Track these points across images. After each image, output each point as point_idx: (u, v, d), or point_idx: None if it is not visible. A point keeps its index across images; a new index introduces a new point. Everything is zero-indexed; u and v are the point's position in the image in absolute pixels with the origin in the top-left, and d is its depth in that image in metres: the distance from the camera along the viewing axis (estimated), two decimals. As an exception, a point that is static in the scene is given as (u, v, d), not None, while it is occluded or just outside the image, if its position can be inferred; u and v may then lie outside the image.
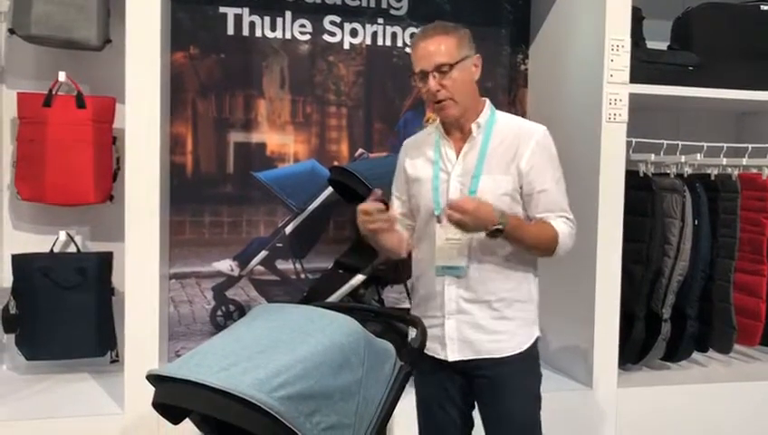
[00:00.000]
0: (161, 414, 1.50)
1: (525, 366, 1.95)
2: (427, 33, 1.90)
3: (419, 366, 1.97)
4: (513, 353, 1.92)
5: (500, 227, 1.78)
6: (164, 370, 1.42)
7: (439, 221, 1.90)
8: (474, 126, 1.92)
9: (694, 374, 3.05)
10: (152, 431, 2.38)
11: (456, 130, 1.95)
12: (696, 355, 3.11)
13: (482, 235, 1.84)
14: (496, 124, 1.94)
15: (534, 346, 1.97)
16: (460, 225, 1.77)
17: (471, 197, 1.84)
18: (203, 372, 1.34)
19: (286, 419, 1.30)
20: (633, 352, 2.91)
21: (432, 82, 1.85)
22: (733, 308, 2.98)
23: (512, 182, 1.89)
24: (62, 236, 2.79)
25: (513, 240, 1.84)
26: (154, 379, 1.45)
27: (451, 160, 1.95)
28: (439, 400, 2.00)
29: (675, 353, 2.98)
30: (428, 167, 1.98)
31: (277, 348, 1.40)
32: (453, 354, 1.93)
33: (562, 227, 1.90)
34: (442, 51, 1.85)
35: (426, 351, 1.88)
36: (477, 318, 1.91)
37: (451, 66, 1.85)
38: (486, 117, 1.94)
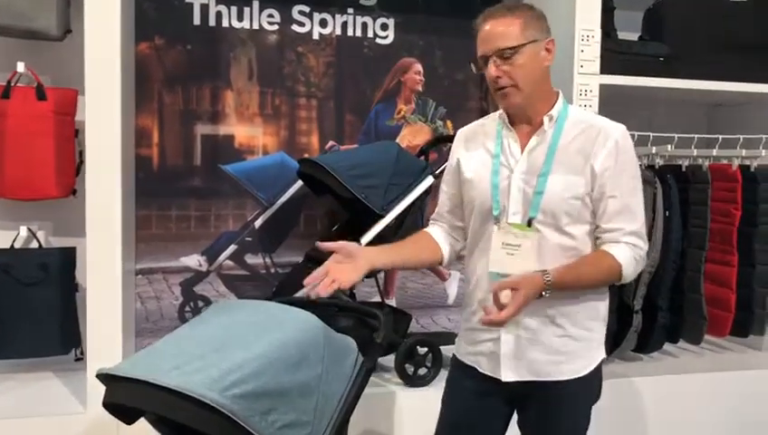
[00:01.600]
0: (113, 414, 1.46)
1: (583, 391, 1.78)
2: (489, 13, 1.72)
3: (460, 380, 1.87)
4: (573, 377, 1.74)
5: (548, 288, 1.60)
6: (115, 369, 1.38)
7: (497, 222, 1.74)
8: (546, 118, 1.73)
9: (666, 365, 3.05)
10: (113, 430, 2.33)
11: (523, 122, 1.77)
12: (667, 346, 3.11)
13: (543, 239, 1.69)
14: (569, 119, 1.75)
15: (598, 369, 1.80)
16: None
17: (510, 292, 1.57)
18: (154, 371, 1.30)
19: (240, 418, 1.26)
20: (606, 343, 2.90)
21: (491, 68, 1.68)
22: (703, 299, 2.98)
23: (584, 185, 1.68)
24: (23, 231, 2.71)
25: (566, 289, 1.66)
26: (105, 378, 1.40)
27: (515, 155, 1.75)
28: (474, 420, 1.84)
29: (646, 345, 2.98)
30: (487, 161, 1.79)
31: (232, 345, 1.36)
32: (507, 374, 1.74)
33: (626, 254, 1.68)
34: (504, 33, 1.67)
35: (477, 368, 1.80)
36: (538, 334, 1.72)
37: (513, 50, 1.66)
38: (559, 110, 1.75)
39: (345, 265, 1.68)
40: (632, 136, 2.87)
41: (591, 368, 1.77)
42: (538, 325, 1.71)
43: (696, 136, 3.02)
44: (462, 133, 1.92)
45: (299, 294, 2.54)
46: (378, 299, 3.05)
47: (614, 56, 2.80)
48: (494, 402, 1.82)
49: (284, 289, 2.80)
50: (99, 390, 2.28)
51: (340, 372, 1.52)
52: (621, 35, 3.04)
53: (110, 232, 2.34)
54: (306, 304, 1.81)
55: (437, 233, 1.93)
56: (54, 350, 2.68)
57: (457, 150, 1.89)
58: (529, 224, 1.70)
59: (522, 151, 1.74)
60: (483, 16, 1.73)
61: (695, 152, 2.99)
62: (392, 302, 3.22)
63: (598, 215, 1.71)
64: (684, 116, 3.28)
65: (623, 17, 3.07)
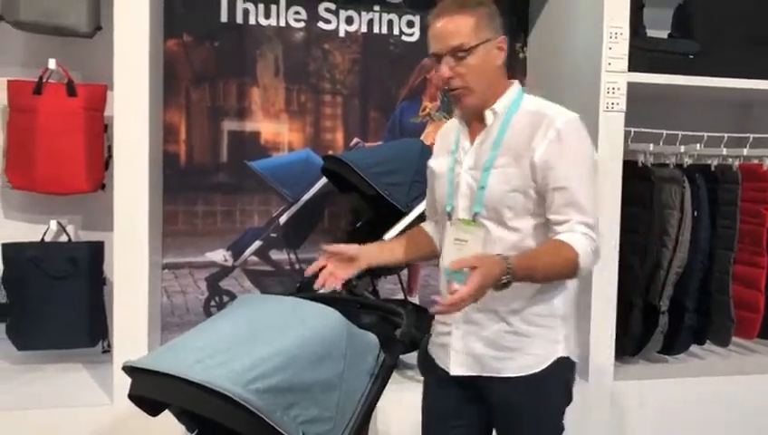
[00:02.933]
0: (138, 406, 1.48)
1: (537, 390, 1.69)
2: (442, 9, 1.65)
3: (429, 376, 1.87)
4: (522, 374, 1.67)
5: (508, 276, 1.50)
6: (140, 362, 1.40)
7: (449, 218, 1.73)
8: (488, 113, 1.69)
9: (691, 367, 3.01)
10: (140, 422, 2.35)
11: (475, 117, 1.73)
12: (693, 348, 3.07)
13: (488, 234, 1.65)
14: (520, 110, 1.68)
15: (555, 369, 1.68)
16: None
17: (473, 264, 1.49)
18: (179, 365, 1.32)
19: (262, 412, 1.27)
20: (630, 345, 2.88)
21: (444, 69, 1.63)
22: (731, 301, 2.94)
23: (522, 177, 1.62)
24: (53, 225, 2.77)
25: (525, 278, 1.57)
26: (130, 370, 1.42)
27: (465, 150, 1.74)
28: (442, 414, 1.82)
29: (672, 346, 2.94)
30: (447, 158, 1.78)
31: (255, 340, 1.37)
32: (456, 368, 1.73)
33: (583, 244, 1.58)
34: (457, 32, 1.61)
35: (434, 359, 1.80)
36: (485, 330, 1.69)
37: (467, 51, 1.61)
38: (507, 103, 1.69)
39: (343, 263, 1.79)
40: (660, 134, 2.91)
41: (544, 366, 1.68)
42: (485, 320, 1.69)
43: (726, 135, 2.98)
44: (441, 129, 1.93)
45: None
46: (400, 296, 3.06)
47: (643, 54, 2.77)
48: (454, 398, 1.80)
49: (308, 285, 2.81)
50: (125, 382, 2.31)
51: (361, 368, 1.53)
52: (650, 33, 3.00)
53: (138, 226, 2.37)
54: (329, 300, 1.82)
55: (431, 228, 1.95)
56: (82, 342, 2.73)
57: (435, 148, 1.91)
58: (474, 218, 1.69)
59: (471, 146, 1.73)
60: (435, 11, 1.66)
61: (724, 151, 2.95)
62: (415, 299, 3.22)
63: (547, 207, 1.63)
64: (713, 115, 3.23)
65: (652, 14, 3.03)
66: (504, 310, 1.68)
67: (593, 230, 1.61)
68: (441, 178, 1.79)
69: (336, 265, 1.80)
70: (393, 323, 1.94)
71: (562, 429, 1.78)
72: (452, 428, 1.82)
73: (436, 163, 1.83)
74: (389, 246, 1.97)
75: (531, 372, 1.68)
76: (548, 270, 1.60)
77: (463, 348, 1.73)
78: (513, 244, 1.67)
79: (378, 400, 1.57)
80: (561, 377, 1.73)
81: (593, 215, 1.62)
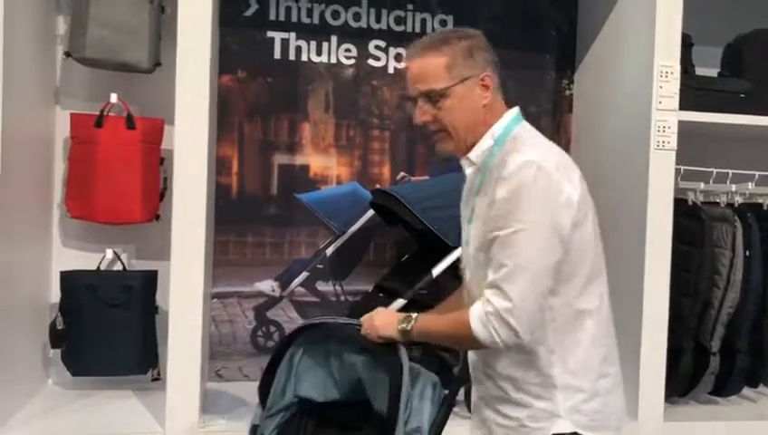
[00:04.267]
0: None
1: None
2: (412, 49, 1.54)
3: None
4: None
5: (404, 326, 1.51)
6: None
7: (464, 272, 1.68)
8: (464, 163, 1.57)
9: (743, 410, 2.94)
10: (192, 451, 2.40)
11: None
12: (745, 390, 3.00)
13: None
14: (498, 155, 1.50)
15: None
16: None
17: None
18: None
19: None
20: (680, 386, 2.83)
21: (418, 112, 1.52)
22: (785, 343, 2.88)
23: (482, 234, 1.48)
24: (109, 254, 2.84)
25: (423, 338, 1.55)
26: None
27: (464, 200, 1.67)
28: None
29: (724, 388, 2.88)
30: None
31: None
32: (474, 431, 1.69)
33: (476, 308, 1.42)
34: (427, 74, 1.49)
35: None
36: (489, 394, 1.59)
37: (440, 93, 1.49)
38: (483, 149, 1.53)
39: None
40: (710, 173, 2.89)
41: None
42: (488, 383, 1.58)
43: (778, 174, 2.95)
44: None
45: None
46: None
47: (693, 92, 2.76)
48: None
49: (354, 317, 2.83)
50: (177, 409, 2.38)
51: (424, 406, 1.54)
52: (699, 71, 2.99)
53: (194, 258, 2.42)
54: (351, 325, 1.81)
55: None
56: (133, 369, 2.78)
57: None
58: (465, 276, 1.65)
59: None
60: (408, 50, 1.57)
61: (776, 191, 2.92)
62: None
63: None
64: (764, 153, 3.19)
65: (700, 52, 3.03)
66: (496, 374, 1.56)
67: (499, 293, 1.40)
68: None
69: None
70: (439, 357, 1.95)
71: None
72: None
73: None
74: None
75: None
76: (442, 337, 1.58)
77: (476, 410, 1.68)
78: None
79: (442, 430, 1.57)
80: None
81: (511, 273, 1.40)
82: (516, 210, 1.40)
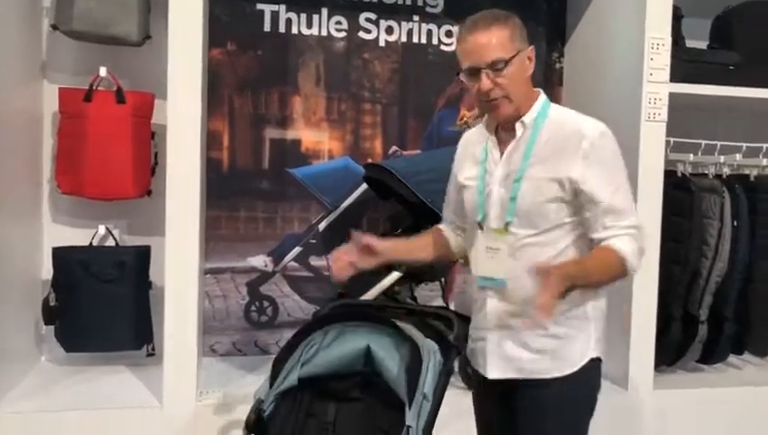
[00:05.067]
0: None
1: (569, 392, 1.72)
2: (477, 23, 1.67)
3: (471, 382, 1.93)
4: (558, 376, 1.71)
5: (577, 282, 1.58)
6: None
7: (481, 228, 1.76)
8: (518, 125, 1.73)
9: (730, 377, 3.02)
10: (189, 424, 2.41)
11: (505, 127, 1.77)
12: (731, 358, 3.07)
13: (520, 242, 1.70)
14: (547, 120, 1.72)
15: (588, 370, 1.73)
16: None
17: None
18: None
19: None
20: (669, 354, 2.89)
21: (485, 81, 1.66)
22: (771, 311, 2.95)
23: (558, 190, 1.67)
24: (101, 229, 2.82)
25: (581, 286, 1.62)
26: None
27: (495, 160, 1.76)
28: (492, 419, 1.88)
29: (711, 356, 2.95)
30: (476, 168, 1.81)
31: None
32: (492, 372, 1.76)
33: (628, 246, 1.64)
34: (495, 45, 1.64)
35: (473, 365, 1.84)
36: (521, 333, 1.72)
37: (506, 62, 1.64)
38: (535, 113, 1.73)
39: (364, 254, 1.81)
40: (699, 145, 2.92)
41: (577, 368, 1.72)
42: (520, 325, 1.71)
43: (765, 145, 2.99)
44: (462, 139, 1.95)
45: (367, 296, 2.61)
46: (436, 302, 3.08)
47: (683, 64, 2.78)
48: (489, 399, 1.86)
49: (349, 292, 2.85)
50: (175, 384, 2.39)
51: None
52: (688, 44, 3.01)
53: (189, 232, 2.41)
54: (377, 307, 1.85)
55: (448, 230, 1.99)
56: (128, 345, 2.78)
57: (458, 157, 1.92)
58: (506, 227, 1.72)
59: (501, 157, 1.76)
60: (469, 26, 1.69)
61: (764, 162, 2.96)
62: (450, 306, 3.24)
63: (589, 222, 1.68)
64: (752, 125, 3.23)
65: (690, 25, 3.05)
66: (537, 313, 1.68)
67: (636, 229, 1.67)
68: (471, 187, 1.82)
69: (356, 252, 1.82)
70: (433, 327, 1.96)
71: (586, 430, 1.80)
72: (495, 432, 1.87)
73: (465, 173, 1.85)
74: (415, 246, 1.99)
75: (565, 374, 1.72)
76: (600, 278, 1.66)
77: (499, 352, 1.76)
78: (545, 253, 1.70)
79: (441, 401, 1.60)
80: (591, 380, 1.77)
81: (633, 214, 1.69)
82: (614, 170, 1.68)
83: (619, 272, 1.66)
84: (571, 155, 1.66)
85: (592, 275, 1.64)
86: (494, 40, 1.65)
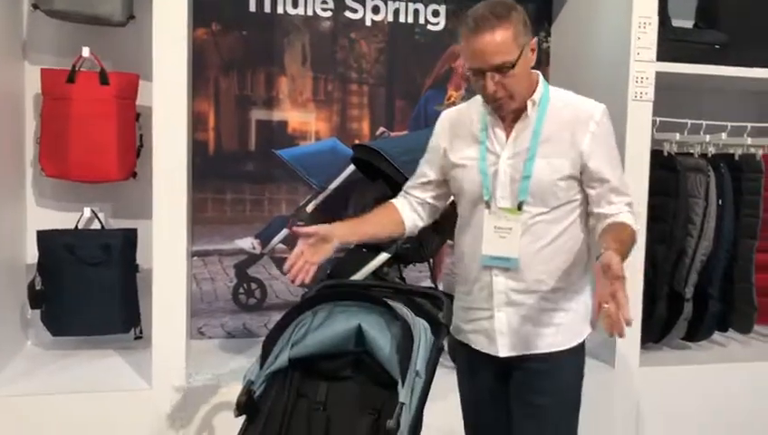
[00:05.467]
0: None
1: (573, 362, 1.80)
2: (480, 25, 1.63)
3: (462, 361, 1.94)
4: (565, 348, 1.78)
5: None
6: None
7: (488, 207, 1.77)
8: (529, 103, 1.74)
9: (715, 354, 3.06)
10: (179, 406, 2.40)
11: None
12: (715, 335, 3.11)
13: (533, 221, 1.73)
14: (551, 101, 1.76)
15: (584, 342, 1.84)
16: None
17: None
18: None
19: None
20: (655, 332, 2.92)
21: (490, 84, 1.66)
22: (754, 288, 2.98)
23: (570, 167, 1.72)
24: (87, 212, 2.79)
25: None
26: None
27: (500, 141, 1.77)
28: (487, 397, 1.89)
29: (696, 333, 2.99)
30: (474, 147, 1.80)
31: None
32: (504, 350, 1.78)
33: (632, 218, 1.74)
34: (500, 48, 1.63)
35: (472, 345, 1.84)
36: (530, 310, 1.76)
37: (512, 65, 1.64)
38: (540, 94, 1.76)
39: (317, 246, 1.74)
40: (685, 124, 2.94)
41: (580, 340, 1.81)
42: (530, 301, 1.76)
43: (750, 125, 3.01)
44: (446, 118, 1.92)
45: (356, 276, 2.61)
46: (425, 284, 3.09)
47: (670, 44, 2.79)
48: (486, 377, 1.87)
49: (338, 273, 2.84)
50: (164, 367, 2.38)
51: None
52: (674, 23, 3.01)
53: (177, 215, 2.39)
54: (365, 286, 1.85)
55: (404, 206, 1.96)
56: (115, 328, 2.76)
57: (442, 135, 1.89)
58: (519, 207, 1.74)
59: (507, 137, 1.77)
60: (472, 27, 1.64)
61: (748, 141, 2.98)
62: (440, 286, 3.25)
63: (593, 197, 1.74)
64: (737, 104, 3.25)
65: (676, 4, 3.05)
66: (546, 289, 1.75)
67: (632, 205, 1.78)
68: (471, 168, 1.80)
69: (310, 249, 1.74)
70: (424, 307, 1.96)
71: (579, 402, 1.85)
72: (495, 406, 1.87)
73: (460, 153, 1.84)
74: (362, 224, 1.93)
75: (572, 346, 1.79)
76: (629, 248, 1.70)
77: (508, 329, 1.78)
78: (555, 231, 1.76)
79: (432, 379, 1.60)
80: (584, 350, 1.85)
81: (629, 192, 1.78)
82: (612, 147, 1.78)
83: (634, 242, 1.73)
84: (581, 133, 1.72)
85: (628, 249, 1.68)
86: (499, 42, 1.63)
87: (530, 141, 1.74)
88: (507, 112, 1.75)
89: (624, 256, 1.60)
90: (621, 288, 1.48)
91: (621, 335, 1.48)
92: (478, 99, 1.82)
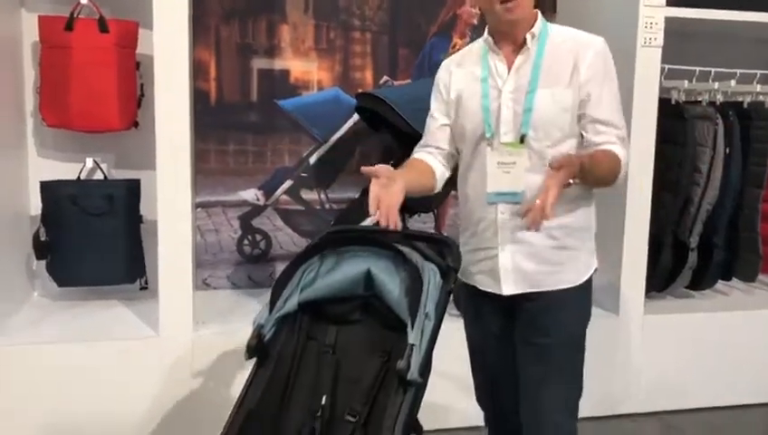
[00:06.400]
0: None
1: (577, 301, 1.79)
2: None
3: (468, 305, 1.93)
4: (571, 286, 1.77)
5: (580, 169, 1.60)
6: None
7: (490, 144, 1.74)
8: (528, 36, 1.72)
9: (718, 302, 3.07)
10: (187, 353, 2.42)
11: (507, 43, 1.75)
12: (719, 284, 3.12)
13: (536, 154, 1.70)
14: (550, 35, 1.75)
15: (590, 280, 1.81)
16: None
17: (549, 186, 1.55)
18: None
19: None
20: (659, 281, 2.93)
21: None
22: (760, 237, 2.98)
23: (571, 96, 1.70)
24: (89, 163, 2.77)
25: (589, 178, 1.65)
26: None
27: (501, 75, 1.74)
28: (493, 338, 1.88)
29: (700, 282, 2.99)
30: (475, 85, 1.77)
31: None
32: (508, 287, 1.77)
33: (621, 152, 1.72)
34: None
35: (478, 286, 1.84)
36: (535, 248, 1.75)
37: None
38: (539, 27, 1.75)
39: (390, 188, 1.65)
40: (693, 71, 2.89)
41: (586, 277, 1.80)
42: (534, 238, 1.74)
43: (760, 72, 2.97)
44: (449, 61, 1.90)
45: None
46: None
47: (679, -12, 2.73)
48: (492, 319, 1.87)
49: (343, 223, 2.84)
50: (171, 316, 2.40)
51: None
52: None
53: (181, 165, 2.37)
54: (375, 232, 1.83)
55: (431, 160, 1.91)
56: (121, 279, 2.77)
57: (446, 78, 1.87)
58: (522, 141, 1.72)
59: (508, 71, 1.75)
60: None
61: (758, 88, 2.94)
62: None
63: (583, 123, 1.73)
64: (747, 52, 3.20)
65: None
66: (551, 226, 1.71)
67: (625, 140, 1.75)
68: (472, 106, 1.78)
69: (383, 190, 1.64)
70: (432, 252, 1.94)
71: (584, 343, 1.84)
72: (502, 345, 1.87)
73: (461, 91, 1.81)
74: (408, 174, 1.82)
75: (576, 284, 1.77)
76: (604, 173, 1.70)
77: (513, 267, 1.77)
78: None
79: (441, 322, 1.60)
80: (590, 290, 1.83)
81: (623, 125, 1.75)
82: (612, 78, 1.75)
83: (615, 172, 1.71)
84: (580, 62, 1.70)
85: (600, 168, 1.68)
86: None
87: (531, 74, 1.72)
88: (516, 19, 1.71)
89: (591, 171, 1.63)
90: (555, 185, 1.52)
91: (536, 229, 1.57)
92: (480, 40, 1.81)
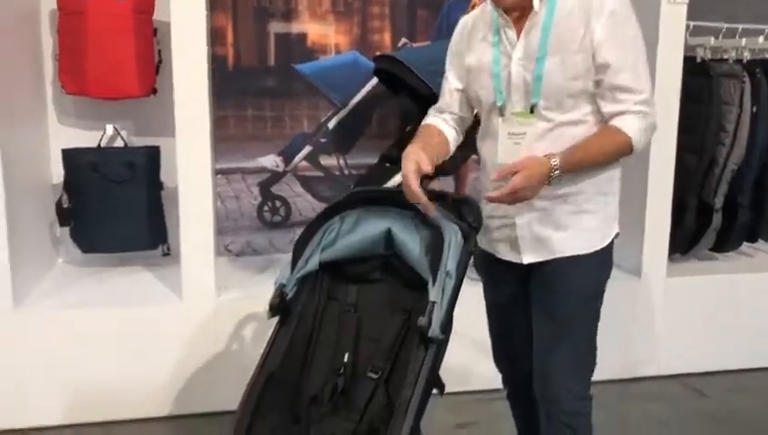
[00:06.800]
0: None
1: (594, 267, 1.74)
2: None
3: (485, 267, 1.90)
4: (589, 252, 1.71)
5: (556, 170, 1.57)
6: None
7: (501, 113, 1.67)
8: (535, 1, 1.63)
9: (742, 264, 3.04)
10: (210, 318, 2.45)
11: (516, 9, 1.65)
12: (744, 246, 3.07)
13: (548, 124, 1.64)
14: (558, 1, 1.64)
15: (612, 243, 1.76)
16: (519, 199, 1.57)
17: (517, 169, 1.55)
18: None
19: None
20: (682, 243, 2.90)
21: None
22: (786, 197, 2.93)
23: (583, 62, 1.60)
24: (109, 130, 2.78)
25: (574, 170, 1.62)
26: None
27: (511, 41, 1.66)
28: (509, 303, 1.86)
29: (724, 244, 2.96)
30: (488, 52, 1.70)
31: None
32: (527, 256, 1.73)
33: (634, 125, 1.62)
34: None
35: (496, 254, 1.81)
36: (553, 214, 1.69)
37: None
38: None
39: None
40: (719, 28, 2.82)
41: (607, 242, 1.74)
42: (551, 205, 1.69)
43: (788, 28, 2.89)
44: (464, 22, 1.82)
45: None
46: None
47: (706, -58, 2.65)
48: (509, 284, 1.84)
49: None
50: (194, 281, 2.42)
51: None
52: None
53: (200, 132, 2.37)
54: (396, 192, 1.81)
55: (445, 127, 1.87)
56: (144, 245, 2.80)
57: (461, 41, 1.80)
58: (532, 110, 1.65)
59: (518, 37, 1.66)
60: None
61: (786, 45, 2.87)
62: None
63: (601, 91, 1.62)
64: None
65: None
66: (566, 192, 1.67)
67: (647, 104, 1.63)
68: (484, 72, 1.72)
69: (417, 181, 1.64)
70: (453, 211, 1.92)
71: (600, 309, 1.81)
72: (519, 311, 1.85)
73: (474, 57, 1.75)
74: (429, 148, 1.77)
75: (596, 250, 1.72)
76: (597, 156, 1.64)
77: (530, 236, 1.73)
78: (575, 134, 1.65)
79: (462, 280, 1.59)
80: (610, 256, 1.77)
81: (647, 89, 1.63)
82: (633, 41, 1.63)
83: (622, 153, 1.65)
84: (593, 23, 1.58)
85: (587, 161, 1.62)
86: None
87: (539, 39, 1.63)
88: None
89: (580, 164, 1.60)
90: (509, 187, 1.53)
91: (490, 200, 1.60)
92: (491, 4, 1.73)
